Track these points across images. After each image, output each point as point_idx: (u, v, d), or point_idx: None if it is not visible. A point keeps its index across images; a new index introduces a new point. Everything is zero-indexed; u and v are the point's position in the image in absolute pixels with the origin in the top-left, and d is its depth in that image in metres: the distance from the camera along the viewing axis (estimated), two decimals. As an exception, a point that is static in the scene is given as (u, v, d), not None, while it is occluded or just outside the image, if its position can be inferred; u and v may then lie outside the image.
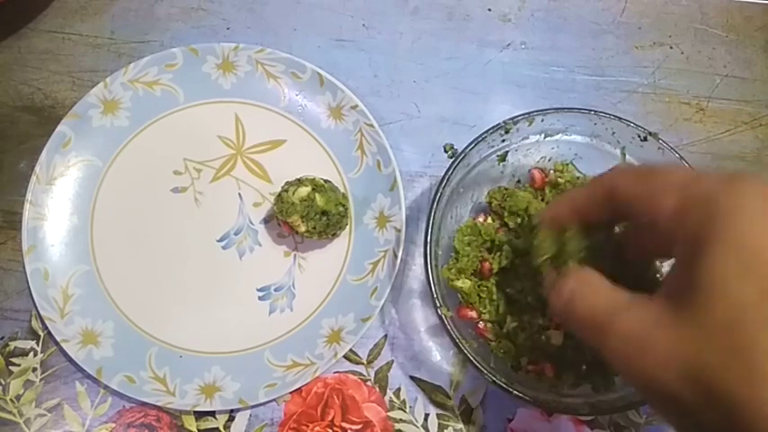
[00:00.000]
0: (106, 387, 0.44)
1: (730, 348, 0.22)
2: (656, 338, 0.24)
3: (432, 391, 0.45)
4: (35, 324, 0.45)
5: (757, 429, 0.21)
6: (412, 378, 0.45)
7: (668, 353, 0.24)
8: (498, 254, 0.40)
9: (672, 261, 0.27)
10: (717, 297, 0.23)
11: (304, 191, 0.43)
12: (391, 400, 0.45)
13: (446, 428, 0.44)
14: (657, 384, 0.24)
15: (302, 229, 0.43)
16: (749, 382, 0.22)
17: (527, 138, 0.42)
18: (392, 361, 0.45)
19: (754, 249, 0.22)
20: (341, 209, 0.44)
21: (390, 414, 0.44)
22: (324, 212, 0.43)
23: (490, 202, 0.44)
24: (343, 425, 0.44)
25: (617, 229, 0.36)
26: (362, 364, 0.45)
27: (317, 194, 0.43)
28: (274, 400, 0.44)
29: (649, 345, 0.24)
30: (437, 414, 0.45)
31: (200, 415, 0.44)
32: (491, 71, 0.52)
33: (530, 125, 0.41)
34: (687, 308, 0.24)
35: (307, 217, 0.42)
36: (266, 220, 0.47)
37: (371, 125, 0.47)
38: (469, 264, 0.41)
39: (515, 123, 0.40)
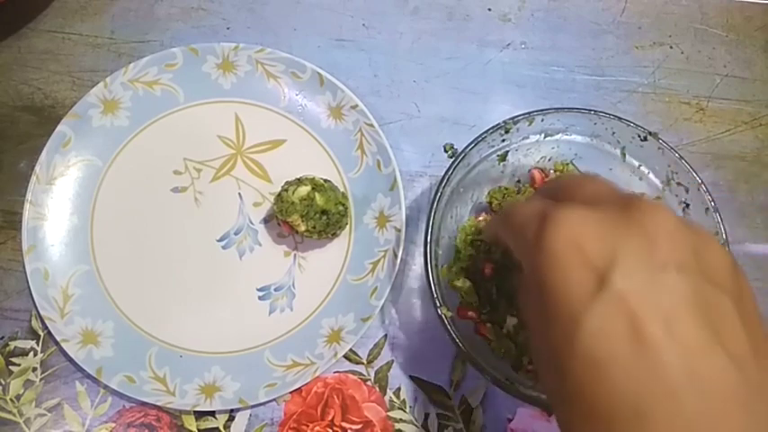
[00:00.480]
0: (106, 387, 0.43)
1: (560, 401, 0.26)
2: None
3: (432, 391, 0.45)
4: (35, 324, 0.45)
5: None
6: (412, 378, 0.45)
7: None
8: (499, 254, 0.40)
9: None
10: (534, 338, 0.28)
11: (304, 190, 0.43)
12: (391, 400, 0.45)
13: (446, 428, 0.44)
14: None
15: (302, 228, 0.43)
16: None
17: (527, 137, 0.42)
18: (392, 361, 0.45)
19: (556, 305, 0.25)
20: (341, 208, 0.44)
21: (390, 414, 0.44)
22: (324, 212, 0.43)
23: (490, 202, 0.44)
24: (343, 425, 0.44)
25: None
26: (362, 363, 0.45)
27: (316, 194, 0.43)
28: (274, 399, 0.44)
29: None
30: (437, 414, 0.45)
31: (200, 415, 0.44)
32: (491, 71, 0.52)
33: (530, 125, 0.41)
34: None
35: (306, 216, 0.42)
36: (266, 220, 0.47)
37: (371, 125, 0.47)
38: (470, 264, 0.41)
39: (515, 123, 0.40)
